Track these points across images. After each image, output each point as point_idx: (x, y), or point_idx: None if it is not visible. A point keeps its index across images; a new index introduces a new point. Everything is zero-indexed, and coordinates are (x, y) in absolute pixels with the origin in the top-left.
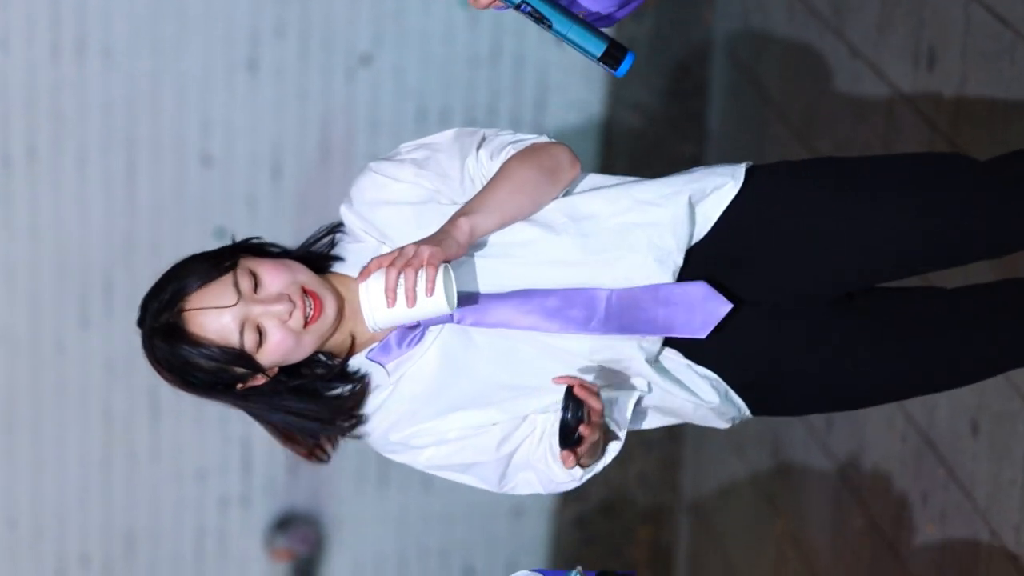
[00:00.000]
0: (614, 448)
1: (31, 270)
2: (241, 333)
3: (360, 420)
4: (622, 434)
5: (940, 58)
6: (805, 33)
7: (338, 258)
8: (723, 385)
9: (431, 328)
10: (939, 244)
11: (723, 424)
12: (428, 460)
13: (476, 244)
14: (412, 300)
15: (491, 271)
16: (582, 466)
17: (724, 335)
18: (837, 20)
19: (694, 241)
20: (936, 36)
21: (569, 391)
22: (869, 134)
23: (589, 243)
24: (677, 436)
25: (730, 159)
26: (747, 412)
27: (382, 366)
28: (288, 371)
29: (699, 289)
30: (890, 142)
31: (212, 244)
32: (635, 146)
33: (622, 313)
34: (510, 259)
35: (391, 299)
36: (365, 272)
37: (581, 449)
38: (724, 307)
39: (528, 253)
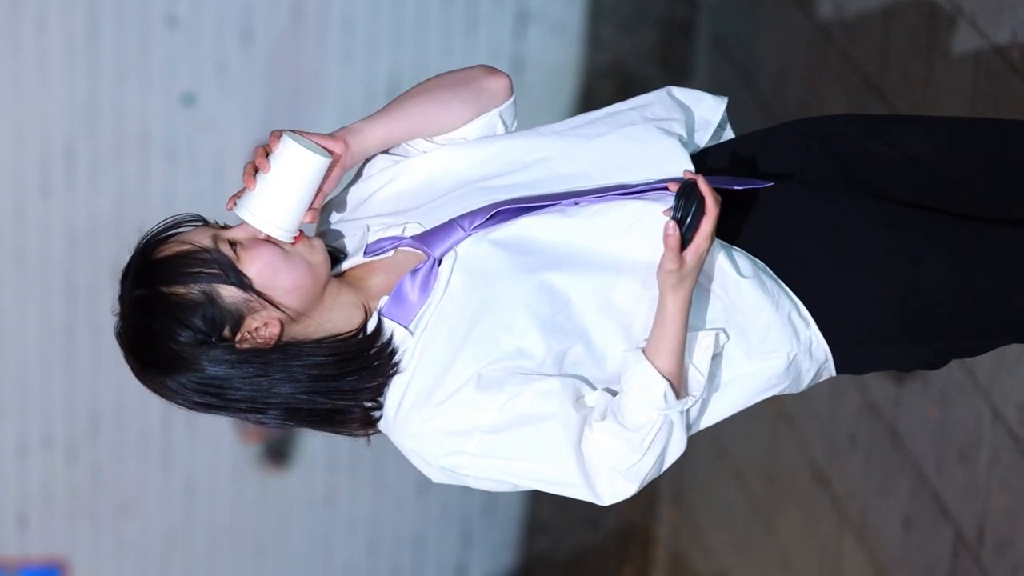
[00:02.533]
0: (696, 387)
1: None
2: (215, 243)
3: (381, 401)
4: (703, 379)
5: None
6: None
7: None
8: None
9: (445, 258)
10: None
11: (805, 366)
12: (493, 422)
13: (469, 178)
14: (265, 165)
15: (490, 191)
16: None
17: (767, 219)
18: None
19: (701, 144)
20: None
21: (682, 188)
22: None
23: (582, 131)
24: None
25: None
26: (819, 337)
27: (404, 327)
28: (294, 348)
29: (733, 178)
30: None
31: (179, 110)
32: None
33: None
34: (503, 177)
35: (250, 181)
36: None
37: (689, 251)
38: (762, 183)
39: (534, 170)
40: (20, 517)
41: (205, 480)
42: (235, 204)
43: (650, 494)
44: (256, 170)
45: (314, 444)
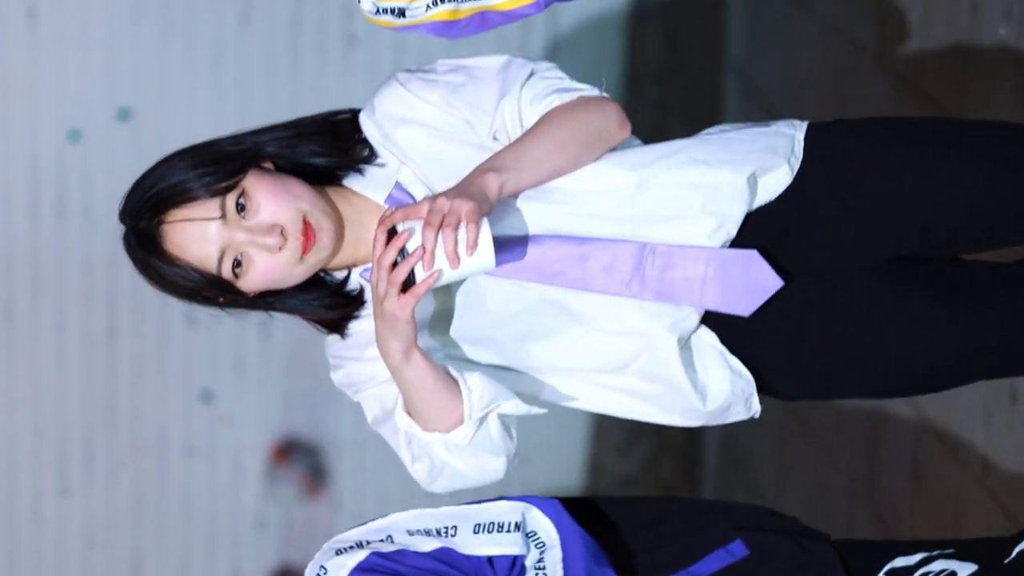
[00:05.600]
0: (463, 430)
1: (7, 435)
2: (220, 260)
3: (346, 330)
4: (476, 413)
5: None
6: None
7: (354, 170)
8: (751, 388)
9: None
10: (1013, 212)
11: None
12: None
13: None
14: (455, 261)
15: (526, 213)
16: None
17: (772, 312)
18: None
19: (748, 210)
20: None
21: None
22: None
23: (638, 199)
24: None
25: None
26: (756, 413)
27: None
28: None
29: (749, 259)
30: None
31: (197, 407)
32: None
33: (660, 275)
34: (549, 204)
35: (429, 262)
36: (387, 220)
37: (408, 293)
38: (774, 283)
39: (571, 201)
40: None
41: None
42: (402, 224)
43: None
44: (437, 232)
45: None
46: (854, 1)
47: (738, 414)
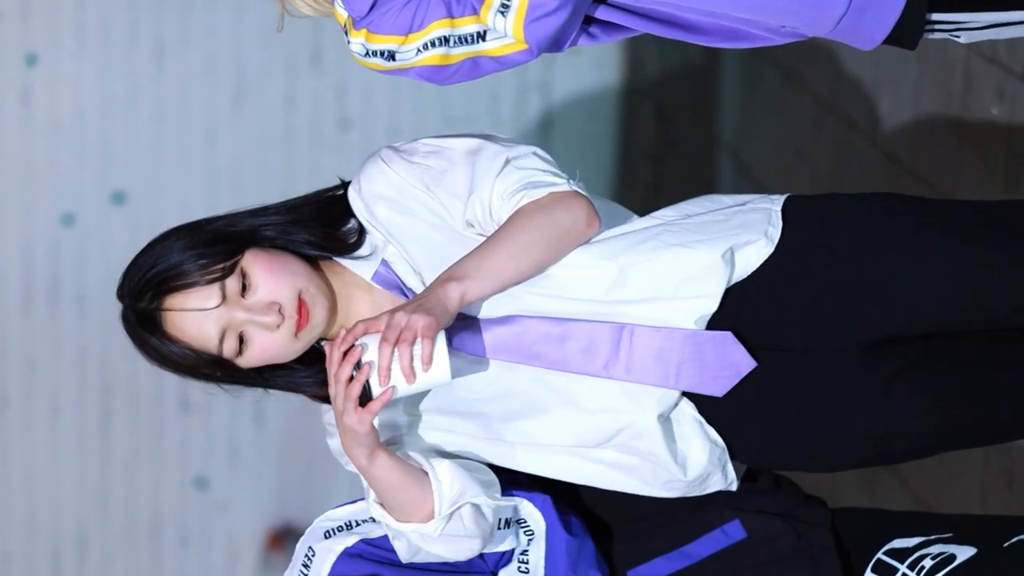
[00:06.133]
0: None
1: (0, 523)
2: (221, 340)
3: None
4: (444, 510)
5: None
6: None
7: (347, 248)
8: (725, 456)
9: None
10: (998, 302)
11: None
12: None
13: None
14: (411, 377)
15: (505, 296)
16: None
17: (748, 386)
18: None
19: (727, 285)
20: None
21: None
22: None
23: (614, 284)
24: None
25: None
26: (733, 487)
27: None
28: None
29: (723, 341)
30: None
31: (192, 494)
32: None
33: (636, 357)
34: (528, 287)
35: (385, 377)
36: (347, 337)
37: (368, 407)
38: (747, 364)
39: (550, 285)
40: None
41: None
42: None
43: None
44: (393, 348)
45: None
46: (847, 79)
47: (716, 484)
